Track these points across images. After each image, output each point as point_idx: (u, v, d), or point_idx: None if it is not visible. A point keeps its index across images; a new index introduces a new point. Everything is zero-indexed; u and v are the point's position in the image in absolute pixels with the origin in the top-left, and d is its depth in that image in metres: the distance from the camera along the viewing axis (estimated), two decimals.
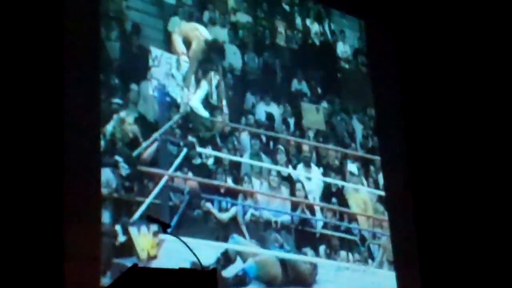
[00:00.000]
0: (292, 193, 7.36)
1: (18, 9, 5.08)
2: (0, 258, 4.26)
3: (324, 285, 6.99)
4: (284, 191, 7.37)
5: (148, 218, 3.88)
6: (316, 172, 7.64)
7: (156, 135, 6.47)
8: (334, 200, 7.74)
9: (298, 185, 7.51)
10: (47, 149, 5.06)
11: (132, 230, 4.99)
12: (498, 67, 7.84)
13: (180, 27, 6.84)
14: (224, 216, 6.79)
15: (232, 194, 6.86)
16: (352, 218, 7.83)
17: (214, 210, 6.72)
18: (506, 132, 7.73)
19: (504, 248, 7.55)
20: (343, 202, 7.79)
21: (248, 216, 6.86)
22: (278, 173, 7.37)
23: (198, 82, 6.96)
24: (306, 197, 7.51)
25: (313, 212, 7.48)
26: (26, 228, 4.50)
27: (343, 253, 7.46)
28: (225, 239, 6.58)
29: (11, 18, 5.03)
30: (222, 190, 6.87)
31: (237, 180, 7.03)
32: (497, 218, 7.73)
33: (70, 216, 5.17)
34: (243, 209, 6.92)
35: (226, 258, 6.37)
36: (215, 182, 6.84)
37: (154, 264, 5.07)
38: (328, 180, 7.69)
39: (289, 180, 7.42)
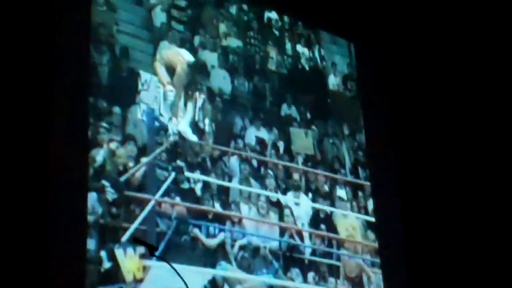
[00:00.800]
0: (281, 218, 7.27)
1: (10, 33, 5.03)
2: None
3: None
4: (273, 216, 7.27)
5: (134, 240, 3.68)
6: (304, 197, 7.55)
7: (144, 160, 6.35)
8: (322, 226, 7.66)
9: (287, 211, 7.40)
10: (33, 174, 4.98)
11: (118, 253, 4.93)
12: (491, 93, 7.71)
13: (162, 55, 6.73)
14: (212, 243, 6.67)
15: (220, 219, 6.73)
16: (341, 244, 7.71)
17: (202, 236, 6.59)
18: (498, 156, 7.58)
19: (496, 268, 7.43)
20: (332, 228, 7.71)
21: (236, 243, 6.76)
22: (267, 198, 7.28)
23: (185, 105, 6.86)
24: (294, 222, 7.42)
25: (301, 238, 7.38)
26: (10, 256, 4.42)
27: (331, 280, 7.34)
28: (213, 266, 6.40)
29: (2, 42, 4.99)
30: (210, 216, 6.75)
31: (226, 205, 6.92)
32: (491, 244, 7.59)
33: (55, 243, 5.05)
34: (231, 235, 6.80)
35: (213, 285, 6.24)
36: (203, 207, 6.71)
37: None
38: (317, 205, 7.61)
39: (278, 206, 7.30)
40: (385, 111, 8.07)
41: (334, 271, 7.46)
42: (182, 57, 6.97)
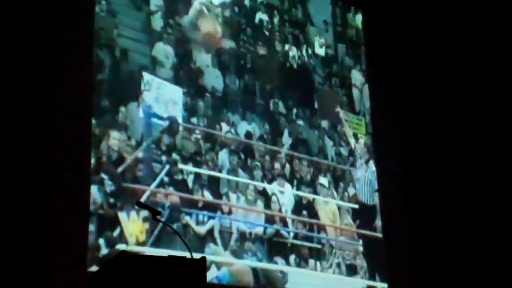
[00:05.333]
0: (267, 206, 7.46)
1: (15, 35, 5.11)
2: None
3: None
4: (260, 204, 7.48)
5: (138, 204, 3.65)
6: (288, 186, 7.72)
7: (139, 152, 6.59)
8: (304, 212, 7.85)
9: (273, 199, 7.63)
10: (38, 168, 4.98)
11: (122, 216, 4.87)
12: (499, 67, 7.44)
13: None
14: (202, 229, 6.92)
15: (209, 208, 6.95)
16: (321, 228, 7.94)
17: (192, 223, 6.83)
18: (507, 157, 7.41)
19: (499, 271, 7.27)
20: (313, 213, 7.90)
21: (224, 229, 6.98)
22: (255, 187, 7.49)
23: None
24: (279, 210, 7.63)
25: (285, 224, 7.60)
26: (14, 244, 4.36)
27: (311, 262, 7.53)
28: (202, 250, 6.67)
29: (9, 43, 5.06)
30: (200, 204, 6.97)
31: (216, 194, 7.13)
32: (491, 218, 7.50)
33: (57, 229, 5.11)
34: (220, 222, 7.02)
35: None
36: (195, 197, 6.94)
37: (143, 250, 5.05)
38: (300, 193, 7.78)
39: (265, 194, 7.50)
40: (392, 85, 7.99)
41: (314, 253, 7.67)
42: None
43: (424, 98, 7.77)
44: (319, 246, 7.81)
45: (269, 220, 7.37)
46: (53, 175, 4.93)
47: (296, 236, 7.57)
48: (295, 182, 7.88)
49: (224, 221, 6.95)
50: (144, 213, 4.82)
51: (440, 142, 7.70)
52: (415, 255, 7.52)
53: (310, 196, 7.92)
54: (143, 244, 4.99)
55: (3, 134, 4.58)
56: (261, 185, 7.54)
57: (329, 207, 8.14)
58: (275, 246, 7.35)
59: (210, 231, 6.84)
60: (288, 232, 7.57)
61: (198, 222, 6.76)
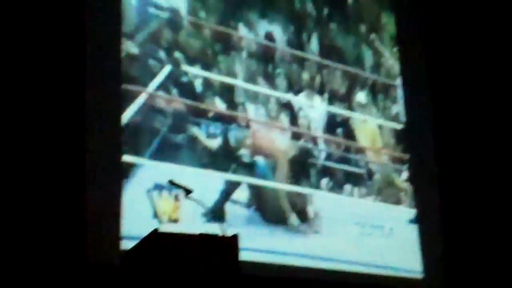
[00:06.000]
0: (293, 122, 6.24)
1: (41, 23, 4.45)
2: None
3: (324, 219, 5.95)
4: (284, 119, 6.21)
5: (170, 182, 3.48)
6: (319, 99, 6.50)
7: (132, 46, 5.33)
8: (339, 130, 6.57)
9: (300, 114, 6.35)
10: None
11: (154, 194, 4.48)
12: None
13: None
14: (213, 143, 5.64)
15: (223, 119, 5.73)
16: (359, 150, 6.67)
17: (202, 136, 5.57)
18: None
19: None
20: (349, 133, 6.63)
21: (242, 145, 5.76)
22: (278, 99, 6.20)
23: None
24: (308, 127, 6.37)
25: (316, 144, 6.33)
26: (48, 223, 4.00)
27: (347, 187, 6.36)
28: (213, 166, 5.48)
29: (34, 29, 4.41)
30: (210, 114, 5.73)
31: (230, 104, 5.88)
32: None
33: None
34: (235, 137, 5.78)
35: (230, 189, 5.45)
36: (204, 105, 5.70)
37: (175, 229, 4.26)
38: (333, 109, 6.56)
39: (290, 108, 6.26)
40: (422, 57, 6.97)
41: (350, 178, 6.44)
42: None
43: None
44: (356, 169, 6.54)
45: (296, 138, 6.20)
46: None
47: (329, 158, 6.34)
48: (326, 96, 6.59)
49: (240, 135, 5.75)
50: (176, 191, 4.44)
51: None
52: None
53: (345, 113, 6.64)
54: (175, 221, 4.54)
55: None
56: (285, 96, 6.27)
57: (368, 126, 6.86)
58: (304, 168, 6.15)
59: (223, 146, 5.63)
60: (319, 152, 6.31)
61: (208, 135, 5.57)
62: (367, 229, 5.98)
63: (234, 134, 5.71)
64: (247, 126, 5.87)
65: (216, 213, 4.53)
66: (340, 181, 6.32)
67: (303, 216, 5.81)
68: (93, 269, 3.83)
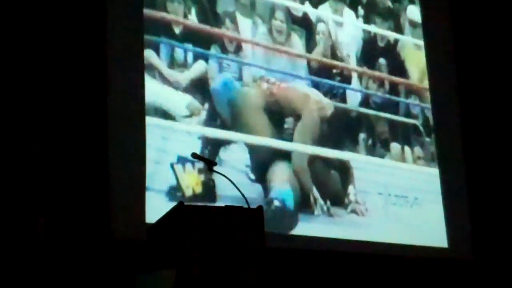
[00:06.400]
0: (310, 45, 4.46)
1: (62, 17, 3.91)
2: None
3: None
4: (297, 42, 4.39)
5: (193, 155, 3.38)
6: (351, 14, 4.71)
7: None
8: (382, 61, 4.74)
9: (321, 32, 4.50)
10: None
11: (177, 167, 4.06)
12: None
13: None
14: (181, 76, 3.86)
15: (199, 39, 4.01)
16: (411, 89, 4.84)
17: (160, 63, 3.81)
18: None
19: None
20: (396, 64, 4.82)
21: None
22: (287, 11, 4.39)
23: None
24: (333, 54, 4.52)
25: (346, 79, 4.56)
26: (72, 195, 3.81)
27: (395, 146, 4.61)
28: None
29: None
30: (177, 30, 3.93)
31: (209, 16, 4.07)
32: None
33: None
34: (219, 67, 4.04)
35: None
36: (166, 15, 3.90)
37: (200, 202, 4.13)
38: (373, 28, 4.76)
39: (306, 25, 4.46)
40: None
41: (399, 132, 4.67)
42: None
43: None
44: (408, 120, 4.75)
45: (314, 70, 4.45)
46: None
47: (366, 101, 4.60)
48: (362, 11, 4.74)
49: (226, 65, 4.09)
50: (200, 164, 4.01)
51: None
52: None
53: (391, 35, 4.82)
54: (199, 195, 4.10)
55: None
56: (299, 7, 4.46)
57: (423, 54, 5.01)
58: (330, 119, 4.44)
59: (199, 82, 3.97)
60: (352, 95, 4.57)
61: (173, 62, 3.89)
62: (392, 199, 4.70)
63: (216, 63, 4.02)
64: (237, 50, 4.14)
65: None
66: (384, 137, 4.61)
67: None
68: (119, 243, 3.82)
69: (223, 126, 4.02)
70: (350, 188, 4.41)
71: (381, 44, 4.73)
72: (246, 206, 3.02)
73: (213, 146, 4.00)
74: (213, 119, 3.98)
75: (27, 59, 3.87)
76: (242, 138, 4.08)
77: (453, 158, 4.92)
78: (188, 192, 4.08)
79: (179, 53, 3.87)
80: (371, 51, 4.70)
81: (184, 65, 3.87)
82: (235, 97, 4.03)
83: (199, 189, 4.12)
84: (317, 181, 4.29)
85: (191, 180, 4.13)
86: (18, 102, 3.83)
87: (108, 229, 3.82)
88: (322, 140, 4.33)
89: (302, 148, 4.26)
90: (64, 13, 3.86)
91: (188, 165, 4.08)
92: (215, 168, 3.27)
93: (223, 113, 4.00)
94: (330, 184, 4.34)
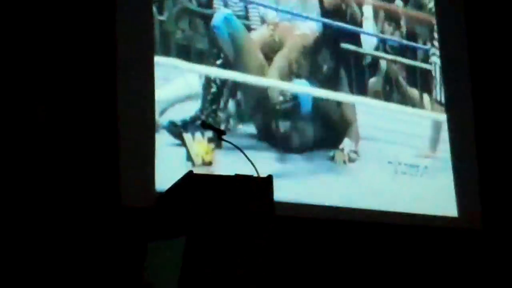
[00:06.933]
0: None
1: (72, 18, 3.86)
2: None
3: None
4: None
5: (202, 125, 3.44)
6: None
7: None
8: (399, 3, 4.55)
9: None
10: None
11: (186, 136, 4.04)
12: None
13: None
14: None
15: None
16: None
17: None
18: None
19: None
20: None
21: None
22: None
23: None
24: None
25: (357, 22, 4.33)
26: (81, 164, 3.75)
27: (413, 92, 4.44)
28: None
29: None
30: None
31: None
32: None
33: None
34: (225, 4, 3.92)
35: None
36: None
37: (209, 171, 4.14)
38: None
39: None
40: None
41: (421, 78, 4.46)
42: None
43: None
44: (425, 65, 4.55)
45: (329, 14, 4.28)
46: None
47: (383, 46, 4.40)
48: None
49: (232, 4, 4.00)
50: (209, 133, 4.09)
51: None
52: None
53: None
54: (209, 164, 4.11)
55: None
56: None
57: None
58: (340, 59, 4.23)
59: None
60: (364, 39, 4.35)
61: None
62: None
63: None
64: None
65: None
66: (400, 84, 4.43)
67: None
68: (128, 211, 3.79)
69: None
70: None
71: None
72: (255, 174, 2.95)
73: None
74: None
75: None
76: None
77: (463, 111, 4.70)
78: (198, 161, 4.04)
79: None
80: None
81: None
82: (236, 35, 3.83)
83: (208, 158, 4.11)
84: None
85: (200, 149, 4.12)
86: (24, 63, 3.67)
87: (118, 197, 3.82)
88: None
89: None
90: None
91: (197, 134, 4.08)
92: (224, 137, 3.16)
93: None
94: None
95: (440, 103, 4.59)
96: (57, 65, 3.83)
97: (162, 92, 4.01)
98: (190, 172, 2.90)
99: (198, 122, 3.98)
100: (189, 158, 4.04)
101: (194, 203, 2.86)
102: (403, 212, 4.54)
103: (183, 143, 4.07)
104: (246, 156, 3.03)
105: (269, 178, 2.96)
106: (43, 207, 3.73)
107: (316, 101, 4.24)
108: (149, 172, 3.85)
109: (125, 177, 3.78)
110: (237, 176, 2.93)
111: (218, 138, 3.29)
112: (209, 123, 3.50)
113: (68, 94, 3.84)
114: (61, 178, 3.81)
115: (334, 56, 4.31)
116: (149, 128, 3.88)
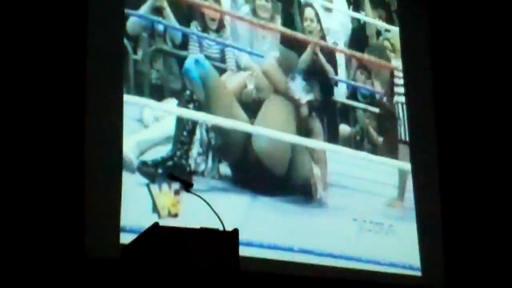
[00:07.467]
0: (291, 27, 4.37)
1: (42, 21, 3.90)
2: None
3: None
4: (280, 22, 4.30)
5: (170, 176, 3.56)
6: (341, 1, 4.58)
7: None
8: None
9: (309, 14, 4.30)
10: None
11: (153, 188, 4.13)
12: None
13: None
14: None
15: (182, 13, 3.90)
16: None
17: None
18: None
19: None
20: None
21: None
22: None
23: None
24: (322, 36, 4.34)
25: (331, 61, 4.37)
26: (46, 214, 3.78)
27: (382, 140, 4.48)
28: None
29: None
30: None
31: None
32: None
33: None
34: (200, 47, 3.92)
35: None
36: None
37: (175, 223, 4.03)
38: (362, 16, 4.57)
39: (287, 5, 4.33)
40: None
41: (387, 125, 4.49)
42: None
43: None
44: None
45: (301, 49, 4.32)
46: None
47: (353, 93, 4.44)
48: None
49: (208, 46, 4.03)
50: (176, 185, 4.12)
51: None
52: None
53: (380, 24, 4.67)
54: (175, 216, 4.15)
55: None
56: None
57: None
58: (313, 105, 4.28)
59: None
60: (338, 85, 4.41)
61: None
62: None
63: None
64: (219, 28, 3.96)
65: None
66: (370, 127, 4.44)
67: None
68: (92, 263, 3.86)
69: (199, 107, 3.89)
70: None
71: (368, 31, 4.46)
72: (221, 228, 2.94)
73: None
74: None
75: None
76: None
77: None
78: (164, 213, 4.09)
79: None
80: (359, 39, 4.43)
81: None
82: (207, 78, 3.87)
83: (174, 210, 4.12)
84: None
85: (167, 201, 4.15)
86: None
87: (82, 249, 3.79)
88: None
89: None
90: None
91: (164, 186, 4.12)
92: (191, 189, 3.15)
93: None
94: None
95: (405, 142, 4.58)
96: (24, 104, 3.82)
97: (139, 134, 4.01)
98: (156, 224, 2.91)
99: (168, 165, 3.98)
100: (155, 210, 4.10)
101: (159, 255, 2.89)
102: (365, 270, 4.55)
103: (150, 195, 4.12)
104: (213, 209, 3.03)
105: (235, 233, 2.99)
106: (5, 259, 3.68)
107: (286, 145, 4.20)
108: (114, 223, 3.87)
109: (89, 228, 3.81)
110: (202, 229, 2.96)
111: (185, 190, 3.27)
112: (176, 175, 3.47)
113: (35, 133, 3.83)
114: (24, 227, 3.78)
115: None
116: (115, 179, 3.94)
